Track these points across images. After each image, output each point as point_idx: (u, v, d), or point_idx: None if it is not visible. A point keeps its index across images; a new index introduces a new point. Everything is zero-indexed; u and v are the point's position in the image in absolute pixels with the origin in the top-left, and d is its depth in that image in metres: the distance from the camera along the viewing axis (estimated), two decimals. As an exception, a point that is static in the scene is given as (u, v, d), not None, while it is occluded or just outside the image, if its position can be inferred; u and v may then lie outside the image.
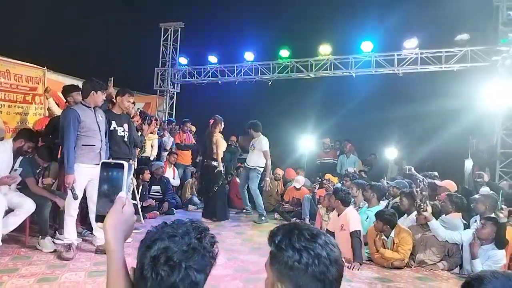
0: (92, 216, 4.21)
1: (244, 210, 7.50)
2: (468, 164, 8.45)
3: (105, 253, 1.02)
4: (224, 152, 7.19)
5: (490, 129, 8.26)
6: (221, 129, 6.96)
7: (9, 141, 4.30)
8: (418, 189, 5.14)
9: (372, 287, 3.74)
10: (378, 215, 4.57)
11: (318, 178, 7.41)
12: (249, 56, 10.54)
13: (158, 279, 0.96)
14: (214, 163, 6.84)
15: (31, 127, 6.30)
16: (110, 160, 1.17)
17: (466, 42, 8.56)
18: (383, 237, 4.55)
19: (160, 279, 0.96)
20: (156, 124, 7.45)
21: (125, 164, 1.16)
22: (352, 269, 4.25)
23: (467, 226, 4.75)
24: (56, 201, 4.54)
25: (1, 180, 4.05)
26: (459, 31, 8.64)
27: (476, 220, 4.70)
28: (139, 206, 6.20)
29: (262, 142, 7.00)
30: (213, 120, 6.98)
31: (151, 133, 7.57)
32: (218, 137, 6.87)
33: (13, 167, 4.28)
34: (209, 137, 6.92)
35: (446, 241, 4.42)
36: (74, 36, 11.88)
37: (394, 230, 4.51)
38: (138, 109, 7.54)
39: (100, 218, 1.09)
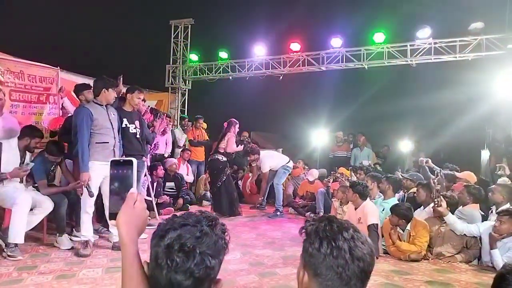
0: (107, 213, 4.26)
1: (258, 205, 7.51)
2: (485, 154, 8.29)
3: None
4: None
5: (506, 119, 8.09)
6: (236, 131, 7.01)
7: (14, 139, 4.34)
8: (436, 180, 5.08)
9: (389, 280, 3.70)
10: (394, 209, 4.53)
11: (332, 172, 7.37)
12: (259, 50, 10.48)
13: (173, 265, 0.96)
14: (218, 156, 6.87)
15: (45, 127, 6.37)
16: (119, 158, 1.18)
17: (480, 31, 8.36)
18: (399, 230, 4.51)
19: (176, 265, 0.96)
20: (169, 122, 7.49)
21: (134, 160, 1.17)
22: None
23: (485, 218, 4.67)
24: (70, 188, 4.61)
25: (13, 172, 4.13)
26: (473, 19, 8.45)
27: (492, 211, 4.61)
28: (153, 203, 6.24)
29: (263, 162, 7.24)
30: (227, 123, 7.04)
31: (163, 131, 7.62)
32: (230, 136, 6.90)
33: (23, 162, 4.34)
34: (223, 136, 6.99)
35: (464, 234, 4.35)
36: (86, 36, 12.01)
37: (410, 223, 4.46)
38: (149, 106, 7.56)
39: (113, 215, 1.10)
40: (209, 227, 1.02)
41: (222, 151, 6.87)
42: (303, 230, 1.12)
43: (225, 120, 7.27)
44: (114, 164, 1.16)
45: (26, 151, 4.38)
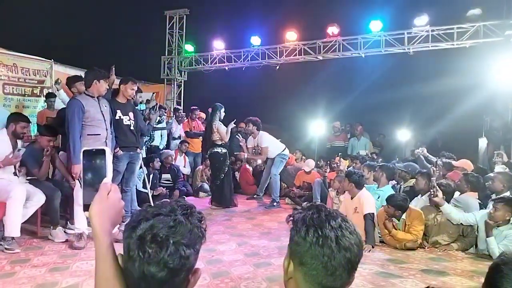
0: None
1: (255, 196, 7.49)
2: (482, 142, 8.26)
3: (116, 242, 0.98)
4: (232, 138, 7.16)
5: (504, 107, 8.06)
6: (221, 117, 6.85)
7: (3, 131, 4.29)
8: (436, 169, 5.07)
9: (384, 269, 3.69)
10: (390, 200, 4.50)
11: (328, 161, 7.33)
12: (255, 40, 10.40)
13: (145, 257, 0.93)
14: (217, 149, 6.79)
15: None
16: (91, 148, 1.14)
17: (478, 17, 8.28)
18: (394, 219, 4.49)
19: (148, 256, 0.92)
20: (165, 113, 7.44)
21: (107, 149, 1.13)
22: (364, 251, 4.20)
23: (482, 206, 4.64)
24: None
25: (5, 160, 4.09)
26: (471, 5, 8.37)
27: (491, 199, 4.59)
28: (149, 195, 6.21)
29: (263, 138, 7.09)
30: (211, 109, 6.92)
31: (159, 122, 7.57)
32: (218, 125, 6.79)
33: (16, 149, 4.31)
34: (210, 126, 6.87)
35: (461, 223, 4.33)
36: (80, 28, 11.89)
37: (405, 212, 4.45)
38: (147, 100, 7.50)
39: (87, 207, 1.07)
40: (183, 216, 0.98)
41: (219, 143, 6.79)
42: (290, 218, 1.09)
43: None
44: (87, 154, 1.12)
45: (16, 140, 4.33)
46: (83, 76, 4.95)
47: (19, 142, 4.43)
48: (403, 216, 4.44)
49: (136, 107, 5.51)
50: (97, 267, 0.99)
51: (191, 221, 0.99)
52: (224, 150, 6.82)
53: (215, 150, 6.80)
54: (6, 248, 3.90)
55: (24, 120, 4.39)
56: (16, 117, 4.41)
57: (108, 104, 4.53)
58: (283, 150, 7.19)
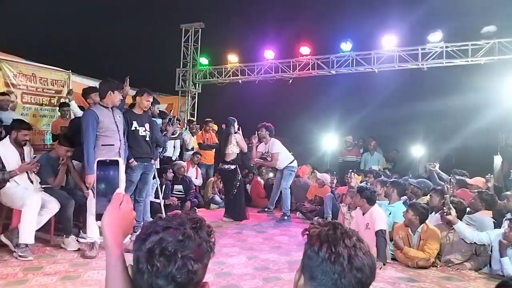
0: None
1: (266, 209, 7.47)
2: (497, 160, 8.13)
3: (128, 252, 1.01)
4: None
5: (520, 124, 7.94)
6: (236, 129, 6.92)
7: (7, 139, 4.36)
8: (449, 186, 5.01)
9: (395, 287, 3.64)
10: (412, 205, 4.52)
11: (333, 175, 7.27)
12: (269, 54, 10.49)
13: (154, 270, 0.95)
14: (225, 166, 6.83)
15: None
16: (105, 158, 1.17)
17: (493, 34, 8.24)
18: (409, 232, 4.45)
19: (156, 270, 0.94)
20: (179, 125, 7.51)
21: (120, 160, 1.17)
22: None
23: (497, 225, 4.55)
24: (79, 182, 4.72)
25: (22, 167, 4.21)
26: (486, 23, 8.33)
27: (506, 219, 4.50)
28: (162, 205, 6.25)
29: (274, 145, 7.08)
30: (225, 124, 7.03)
31: (172, 134, 7.64)
32: (237, 136, 6.85)
33: (23, 158, 4.37)
34: (226, 138, 6.88)
35: (475, 242, 4.26)
36: (97, 39, 12.13)
37: (421, 226, 4.40)
38: (160, 110, 7.59)
39: (99, 216, 1.09)
40: (193, 230, 1.00)
41: (228, 159, 6.81)
42: (306, 232, 1.11)
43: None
44: (100, 164, 1.15)
45: (22, 147, 4.40)
46: (97, 86, 5.07)
47: (27, 149, 4.48)
48: (419, 229, 4.39)
49: (154, 119, 5.58)
50: (108, 277, 1.01)
51: (200, 235, 1.01)
52: (232, 167, 6.83)
53: (223, 167, 6.85)
54: (20, 256, 3.95)
55: (26, 128, 4.44)
56: (18, 125, 4.45)
57: (122, 115, 4.61)
58: (292, 162, 7.14)
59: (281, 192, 7.18)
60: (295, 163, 7.25)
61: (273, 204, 7.51)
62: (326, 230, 1.06)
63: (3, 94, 5.94)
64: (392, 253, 4.60)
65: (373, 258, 1.05)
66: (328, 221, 1.15)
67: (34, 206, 4.09)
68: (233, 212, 6.79)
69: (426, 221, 4.48)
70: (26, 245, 4.01)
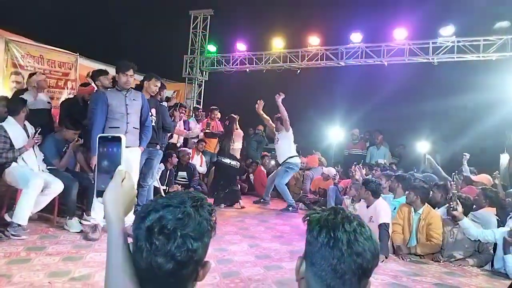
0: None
1: (262, 200, 7.42)
2: (504, 158, 8.05)
3: (129, 236, 0.99)
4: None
5: (529, 122, 7.84)
6: (237, 125, 7.06)
7: (10, 119, 4.33)
8: (453, 182, 4.97)
9: (397, 280, 3.62)
10: (412, 187, 4.58)
11: (338, 169, 7.27)
12: (277, 43, 10.40)
13: (153, 248, 0.93)
14: (233, 162, 6.87)
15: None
16: (107, 134, 1.14)
17: (506, 30, 8.13)
18: (412, 210, 4.53)
19: (155, 248, 0.93)
20: (184, 112, 7.51)
21: (123, 137, 1.14)
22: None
23: (501, 223, 4.52)
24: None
25: (30, 142, 4.28)
26: (498, 18, 8.20)
27: (511, 217, 4.46)
28: (161, 190, 6.28)
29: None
30: (228, 121, 7.12)
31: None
32: (238, 132, 6.99)
33: (28, 135, 4.39)
34: (229, 135, 6.96)
35: (479, 239, 4.23)
36: (105, 23, 12.07)
37: (423, 208, 4.45)
38: (166, 97, 7.57)
39: (100, 193, 1.08)
40: (193, 208, 0.98)
41: (237, 155, 6.91)
42: (307, 218, 1.08)
43: (240, 113, 7.29)
44: (102, 140, 1.13)
45: (24, 124, 4.40)
46: (106, 70, 5.04)
47: (28, 125, 4.46)
48: (420, 211, 4.42)
49: (162, 103, 5.57)
50: (109, 253, 1.00)
51: (201, 213, 0.99)
52: (238, 165, 6.97)
53: (231, 163, 6.89)
54: (12, 234, 3.93)
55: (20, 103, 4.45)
56: (22, 104, 4.44)
57: (141, 98, 4.54)
58: (292, 158, 7.01)
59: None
60: (295, 160, 7.07)
61: (268, 195, 7.45)
62: (327, 215, 1.03)
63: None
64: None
65: (375, 243, 1.01)
66: (331, 207, 1.11)
67: (36, 189, 4.08)
68: (220, 199, 6.78)
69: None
70: (19, 224, 4.00)
